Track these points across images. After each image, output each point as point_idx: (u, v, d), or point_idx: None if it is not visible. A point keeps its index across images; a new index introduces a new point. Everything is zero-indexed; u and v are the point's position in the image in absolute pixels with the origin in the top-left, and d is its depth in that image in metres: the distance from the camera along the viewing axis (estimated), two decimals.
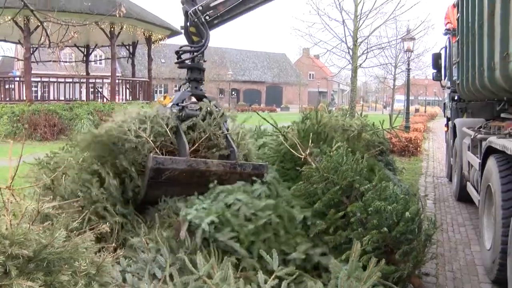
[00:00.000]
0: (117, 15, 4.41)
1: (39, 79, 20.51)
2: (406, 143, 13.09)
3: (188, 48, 5.14)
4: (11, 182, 1.75)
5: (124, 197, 4.40)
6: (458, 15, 7.33)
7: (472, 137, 5.90)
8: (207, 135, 4.81)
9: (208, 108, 4.90)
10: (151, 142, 4.47)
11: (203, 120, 4.85)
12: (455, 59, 8.05)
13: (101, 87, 24.26)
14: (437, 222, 4.02)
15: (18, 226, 1.65)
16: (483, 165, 4.82)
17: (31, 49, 17.74)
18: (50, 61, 19.05)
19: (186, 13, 5.03)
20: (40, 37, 4.98)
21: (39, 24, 5.35)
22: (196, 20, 4.98)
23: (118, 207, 4.24)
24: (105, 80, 22.03)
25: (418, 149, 13.75)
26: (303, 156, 4.26)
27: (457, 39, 7.59)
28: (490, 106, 6.62)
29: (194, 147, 4.74)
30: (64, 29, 5.09)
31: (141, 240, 3.58)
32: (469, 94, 6.74)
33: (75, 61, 28.97)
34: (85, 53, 23.74)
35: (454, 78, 8.34)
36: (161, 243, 3.52)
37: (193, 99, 5.16)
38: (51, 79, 20.42)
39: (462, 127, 7.11)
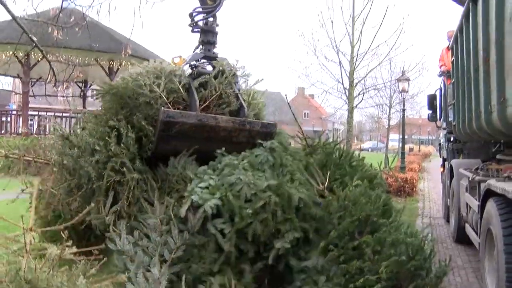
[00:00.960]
0: (123, 55, 4.54)
1: (36, 112, 20.54)
2: (402, 183, 13.09)
3: (202, 10, 5.19)
4: (33, 224, 1.72)
5: (140, 153, 4.43)
6: (453, 58, 7.48)
7: (470, 179, 5.91)
8: (218, 93, 4.88)
9: (221, 68, 4.98)
10: (164, 97, 4.54)
11: (215, 78, 4.92)
12: (451, 100, 8.15)
13: None
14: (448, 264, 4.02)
15: (41, 270, 1.60)
16: (482, 207, 4.80)
17: (30, 83, 17.87)
18: (47, 95, 19.13)
19: None
20: (47, 76, 5.13)
21: (39, 59, 5.54)
22: None
23: (137, 163, 4.29)
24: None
25: (414, 189, 13.76)
26: (321, 188, 4.30)
27: (452, 81, 7.71)
28: (486, 148, 6.66)
29: (205, 104, 4.82)
30: (70, 67, 5.24)
31: (156, 222, 3.77)
32: (465, 136, 6.79)
33: (72, 96, 29.15)
34: (82, 88, 23.90)
35: (450, 119, 8.42)
36: (174, 221, 3.75)
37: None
38: (48, 113, 20.46)
39: (459, 169, 7.13)
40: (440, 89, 10.18)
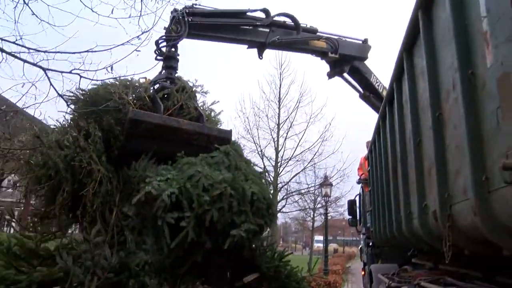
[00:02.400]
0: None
1: None
2: (325, 287, 13.10)
3: (170, 39, 6.20)
4: None
5: (108, 153, 4.94)
6: (369, 168, 8.07)
7: (386, 285, 6.13)
8: (179, 103, 5.63)
9: (182, 84, 5.85)
10: (131, 103, 5.15)
11: (177, 91, 5.71)
12: (368, 207, 8.63)
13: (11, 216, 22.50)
14: None
15: None
16: None
17: None
18: None
19: (173, 18, 6.24)
20: None
21: None
22: (180, 17, 6.18)
23: (103, 159, 4.77)
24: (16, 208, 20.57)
25: None
26: None
27: (369, 189, 8.24)
28: (402, 252, 7.02)
29: (168, 113, 5.45)
30: None
31: (87, 248, 4.28)
32: (382, 241, 7.14)
33: None
34: None
35: (368, 225, 8.84)
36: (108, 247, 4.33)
37: None
38: None
39: (378, 274, 7.37)
40: (360, 196, 10.77)
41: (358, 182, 10.95)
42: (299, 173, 19.68)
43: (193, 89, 6.04)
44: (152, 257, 4.30)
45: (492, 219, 2.10)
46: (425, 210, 3.49)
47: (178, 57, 6.31)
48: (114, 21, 5.10)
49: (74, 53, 4.57)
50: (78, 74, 5.11)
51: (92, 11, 4.77)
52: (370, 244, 9.23)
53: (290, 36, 8.54)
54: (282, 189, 18.70)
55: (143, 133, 4.99)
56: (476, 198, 2.19)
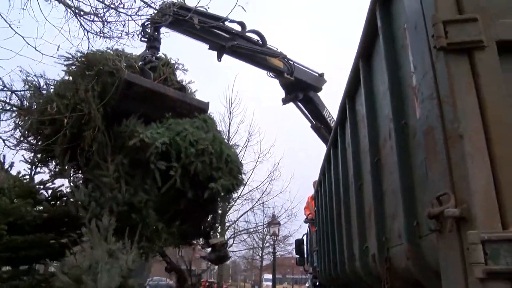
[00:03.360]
0: None
1: None
2: None
3: (155, 22, 6.84)
4: None
5: (103, 108, 5.44)
6: (315, 208, 8.20)
7: None
8: (164, 76, 6.54)
9: (165, 61, 6.82)
10: (124, 70, 5.75)
11: (162, 66, 6.67)
12: (315, 246, 8.71)
13: None
14: None
15: None
16: None
17: None
18: None
19: (160, 8, 6.72)
20: None
21: None
22: (168, 7, 6.68)
23: (101, 110, 5.38)
24: None
25: None
26: None
27: (316, 229, 8.34)
28: None
29: (155, 82, 6.16)
30: None
31: (108, 181, 4.91)
32: (328, 281, 7.19)
33: None
34: None
35: (315, 264, 8.90)
36: (123, 178, 5.01)
37: None
38: None
39: None
40: (307, 235, 10.86)
41: (306, 222, 11.06)
42: (247, 212, 19.68)
43: (175, 66, 7.02)
44: (152, 197, 5.10)
45: (423, 264, 2.20)
46: (365, 252, 3.58)
47: (160, 39, 7.07)
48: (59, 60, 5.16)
49: (14, 91, 4.56)
50: (19, 112, 5.01)
51: (36, 49, 4.70)
52: (317, 283, 9.26)
53: (249, 45, 8.97)
54: (230, 227, 18.52)
55: (135, 95, 5.68)
56: (408, 243, 2.29)
